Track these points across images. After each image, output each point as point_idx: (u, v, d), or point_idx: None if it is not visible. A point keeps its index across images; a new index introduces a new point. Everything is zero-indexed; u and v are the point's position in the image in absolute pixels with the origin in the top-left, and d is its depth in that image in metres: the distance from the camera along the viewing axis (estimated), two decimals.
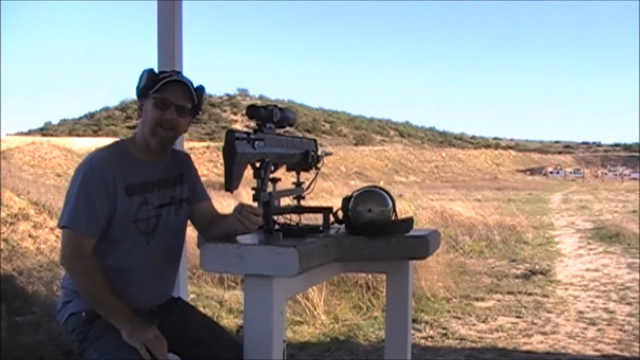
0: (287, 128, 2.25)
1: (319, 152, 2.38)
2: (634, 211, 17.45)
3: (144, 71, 2.00)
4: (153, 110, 1.97)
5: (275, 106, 2.12)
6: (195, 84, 2.06)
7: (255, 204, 1.95)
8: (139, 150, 2.02)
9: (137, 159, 2.01)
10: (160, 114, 1.97)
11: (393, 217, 2.26)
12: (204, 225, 2.11)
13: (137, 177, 1.98)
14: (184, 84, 2.01)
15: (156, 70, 2.04)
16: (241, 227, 1.88)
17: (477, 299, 6.29)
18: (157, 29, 3.05)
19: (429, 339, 4.81)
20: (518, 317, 5.58)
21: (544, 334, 5.03)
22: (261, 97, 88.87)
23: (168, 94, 1.97)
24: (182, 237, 2.15)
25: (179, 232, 2.12)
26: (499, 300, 6.29)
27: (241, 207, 1.89)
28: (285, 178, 2.27)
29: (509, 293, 6.62)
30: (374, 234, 2.20)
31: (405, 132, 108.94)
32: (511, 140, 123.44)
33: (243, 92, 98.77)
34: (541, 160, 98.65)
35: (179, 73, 2.10)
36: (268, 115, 2.06)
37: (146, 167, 2.01)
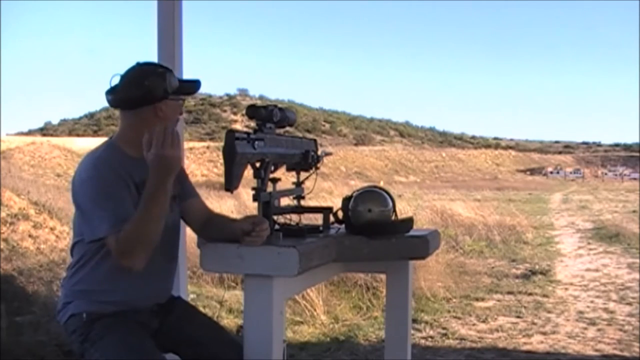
0: (287, 128, 2.25)
1: (319, 152, 2.39)
2: (634, 211, 17.44)
3: (169, 72, 1.96)
4: (174, 112, 1.99)
5: (275, 106, 2.12)
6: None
7: (263, 219, 1.95)
8: (132, 148, 1.96)
9: (131, 156, 1.96)
10: (179, 112, 2.03)
11: (393, 217, 2.26)
12: (198, 224, 2.10)
13: (138, 175, 1.94)
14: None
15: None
16: (251, 244, 1.89)
17: (477, 299, 6.29)
18: (157, 29, 3.04)
19: (429, 339, 4.80)
20: (518, 317, 5.58)
21: (544, 334, 5.03)
22: (261, 97, 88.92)
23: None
24: (178, 234, 2.13)
25: (175, 229, 2.10)
26: (499, 300, 6.29)
27: (250, 227, 1.88)
28: (285, 178, 2.27)
29: (509, 293, 6.62)
30: (374, 234, 2.20)
31: (405, 132, 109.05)
32: (511, 140, 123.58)
33: (243, 92, 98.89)
34: (541, 160, 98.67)
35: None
36: (268, 115, 2.06)
37: (142, 165, 1.98)
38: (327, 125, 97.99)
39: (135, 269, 1.82)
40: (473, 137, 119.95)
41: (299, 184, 2.34)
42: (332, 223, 2.31)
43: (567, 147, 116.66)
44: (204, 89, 2.15)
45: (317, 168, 2.36)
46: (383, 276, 2.89)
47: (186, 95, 2.04)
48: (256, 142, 1.94)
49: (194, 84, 2.05)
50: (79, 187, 1.88)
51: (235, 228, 1.92)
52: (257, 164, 1.99)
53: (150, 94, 1.90)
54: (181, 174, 2.12)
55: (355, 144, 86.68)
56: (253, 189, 1.99)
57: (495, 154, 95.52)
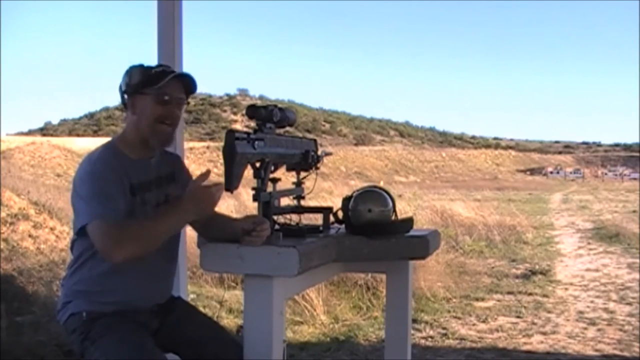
0: (287, 128, 2.25)
1: (319, 152, 2.39)
2: (634, 211, 17.43)
3: (133, 67, 1.97)
4: (154, 107, 1.94)
5: (275, 106, 2.12)
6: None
7: (264, 219, 1.96)
8: (130, 149, 1.97)
9: (131, 157, 1.97)
10: (163, 109, 1.95)
11: (393, 217, 2.26)
12: (199, 223, 2.09)
13: (136, 176, 1.96)
14: (188, 78, 2.01)
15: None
16: (251, 244, 1.90)
17: (477, 299, 6.29)
18: (157, 29, 3.04)
19: (429, 339, 4.80)
20: (518, 317, 5.58)
21: (544, 334, 5.03)
22: (261, 97, 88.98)
23: (169, 89, 1.95)
24: (178, 235, 2.13)
25: None
26: (499, 300, 6.29)
27: (250, 227, 1.90)
28: (285, 178, 2.27)
29: (509, 293, 6.62)
30: (374, 234, 2.20)
31: (405, 132, 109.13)
32: (511, 140, 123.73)
33: (243, 92, 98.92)
34: (541, 160, 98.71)
35: (168, 66, 2.08)
36: (268, 115, 2.06)
37: (141, 166, 1.98)
38: (327, 125, 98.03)
39: (112, 262, 1.82)
40: (473, 137, 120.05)
41: (299, 184, 2.34)
42: (332, 223, 2.31)
43: (567, 147, 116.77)
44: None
45: (317, 168, 2.36)
46: (383, 276, 2.89)
47: (153, 86, 1.93)
48: (256, 142, 1.94)
49: (163, 74, 1.96)
50: (78, 186, 1.90)
51: (236, 227, 1.93)
52: (257, 164, 1.99)
53: (121, 94, 1.98)
54: (185, 176, 2.13)
55: (355, 144, 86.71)
56: (253, 189, 1.99)
57: (495, 154, 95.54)
